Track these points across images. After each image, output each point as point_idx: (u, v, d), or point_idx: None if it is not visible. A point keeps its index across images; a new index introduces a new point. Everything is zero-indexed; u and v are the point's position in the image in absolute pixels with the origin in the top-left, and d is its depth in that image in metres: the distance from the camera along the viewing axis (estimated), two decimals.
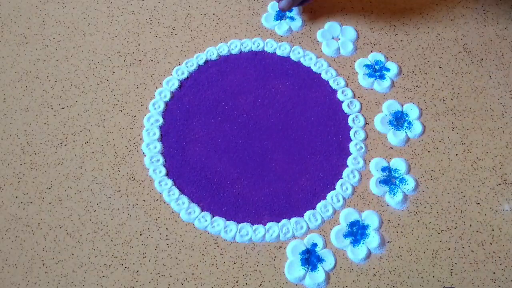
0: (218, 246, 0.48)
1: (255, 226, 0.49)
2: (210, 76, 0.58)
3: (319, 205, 0.50)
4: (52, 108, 0.56)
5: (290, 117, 0.55)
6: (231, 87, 0.57)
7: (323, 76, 0.58)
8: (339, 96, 0.56)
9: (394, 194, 0.50)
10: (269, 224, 0.49)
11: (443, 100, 0.56)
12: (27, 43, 0.61)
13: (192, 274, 0.47)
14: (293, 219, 0.49)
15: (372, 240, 0.48)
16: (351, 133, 0.54)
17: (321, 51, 0.60)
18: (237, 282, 0.46)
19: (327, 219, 0.50)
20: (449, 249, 0.48)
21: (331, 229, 0.49)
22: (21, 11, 0.63)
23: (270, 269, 0.47)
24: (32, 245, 0.48)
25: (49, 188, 0.51)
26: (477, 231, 0.49)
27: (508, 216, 0.49)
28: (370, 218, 0.49)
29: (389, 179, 0.51)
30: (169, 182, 0.51)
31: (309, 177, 0.52)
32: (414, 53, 0.59)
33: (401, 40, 0.60)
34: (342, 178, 0.52)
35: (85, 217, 0.50)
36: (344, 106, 0.56)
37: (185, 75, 0.58)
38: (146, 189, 0.51)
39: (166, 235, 0.49)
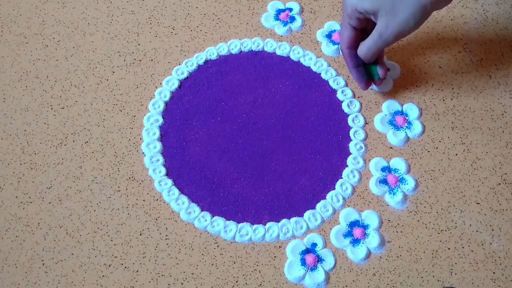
0: (218, 246, 0.48)
1: (255, 226, 0.49)
2: (210, 76, 0.58)
3: (319, 205, 0.50)
4: (52, 108, 0.56)
5: (290, 117, 0.55)
6: (231, 87, 0.57)
7: (323, 76, 0.58)
8: (339, 96, 0.56)
9: (394, 194, 0.50)
10: (269, 224, 0.49)
11: (443, 100, 0.56)
12: (27, 43, 0.61)
13: (192, 274, 0.47)
14: (293, 219, 0.49)
15: (372, 240, 0.48)
16: (351, 133, 0.54)
17: (321, 51, 0.60)
18: (237, 282, 0.46)
19: (327, 219, 0.50)
20: (449, 249, 0.48)
21: (331, 229, 0.49)
22: (21, 11, 0.63)
23: (270, 269, 0.47)
24: (32, 245, 0.48)
25: (49, 188, 0.51)
26: (477, 231, 0.49)
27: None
28: (370, 218, 0.49)
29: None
30: (169, 182, 0.51)
31: (309, 177, 0.52)
32: (414, 53, 0.59)
33: (401, 40, 0.60)
34: (342, 178, 0.52)
35: (85, 217, 0.50)
36: (344, 106, 0.56)
37: (185, 75, 0.58)
38: (146, 189, 0.51)
39: (166, 235, 0.49)
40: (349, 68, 0.54)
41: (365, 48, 0.50)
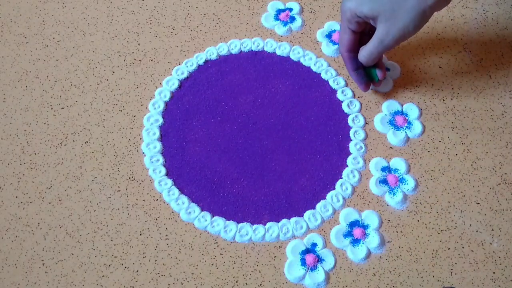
0: (218, 246, 0.48)
1: (255, 226, 0.49)
2: (210, 76, 0.58)
3: (319, 205, 0.50)
4: (52, 108, 0.56)
5: (290, 117, 0.55)
6: (231, 87, 0.57)
7: (323, 76, 0.58)
8: (339, 96, 0.56)
9: (394, 194, 0.50)
10: (268, 224, 0.49)
11: (443, 100, 0.56)
12: (27, 43, 0.61)
13: (192, 274, 0.47)
14: (293, 219, 0.49)
15: (372, 240, 0.48)
16: (351, 133, 0.54)
17: (321, 51, 0.60)
18: (237, 282, 0.46)
19: (327, 219, 0.50)
20: (449, 249, 0.48)
21: (331, 229, 0.49)
22: (21, 11, 0.63)
23: (270, 269, 0.47)
24: (32, 245, 0.48)
25: (49, 188, 0.51)
26: (477, 231, 0.49)
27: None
28: (370, 218, 0.49)
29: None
30: (169, 182, 0.51)
31: (309, 177, 0.52)
32: (414, 53, 0.59)
33: None
34: (342, 178, 0.52)
35: (85, 217, 0.50)
36: (344, 106, 0.56)
37: (185, 75, 0.58)
38: (146, 189, 0.51)
39: (166, 235, 0.49)
40: (349, 71, 0.54)
41: (366, 54, 0.51)
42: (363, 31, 0.52)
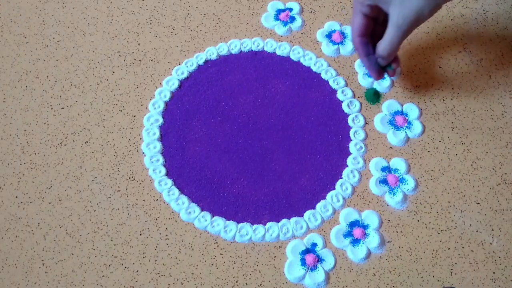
0: (218, 246, 0.48)
1: (255, 226, 0.49)
2: (210, 76, 0.58)
3: (319, 205, 0.50)
4: (52, 108, 0.56)
5: (290, 117, 0.55)
6: (231, 87, 0.57)
7: (323, 76, 0.58)
8: (339, 96, 0.56)
9: (394, 194, 0.50)
10: (269, 224, 0.49)
11: (443, 100, 0.56)
12: (27, 43, 0.61)
13: (192, 274, 0.47)
14: (293, 219, 0.49)
15: (372, 240, 0.48)
16: (351, 133, 0.54)
17: (321, 51, 0.60)
18: (237, 282, 0.46)
19: (327, 219, 0.50)
20: (449, 249, 0.48)
21: (331, 229, 0.49)
22: (21, 11, 0.63)
23: (270, 269, 0.47)
24: (32, 245, 0.48)
25: (49, 188, 0.51)
26: (477, 231, 0.49)
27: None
28: (370, 218, 0.49)
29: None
30: (169, 182, 0.51)
31: (309, 177, 0.52)
32: (414, 53, 0.59)
33: None
34: (342, 178, 0.52)
35: (85, 217, 0.50)
36: (344, 106, 0.56)
37: (185, 75, 0.58)
38: (146, 189, 0.51)
39: (166, 235, 0.49)
40: (361, 57, 0.52)
41: (387, 44, 0.49)
42: (375, 17, 0.51)
